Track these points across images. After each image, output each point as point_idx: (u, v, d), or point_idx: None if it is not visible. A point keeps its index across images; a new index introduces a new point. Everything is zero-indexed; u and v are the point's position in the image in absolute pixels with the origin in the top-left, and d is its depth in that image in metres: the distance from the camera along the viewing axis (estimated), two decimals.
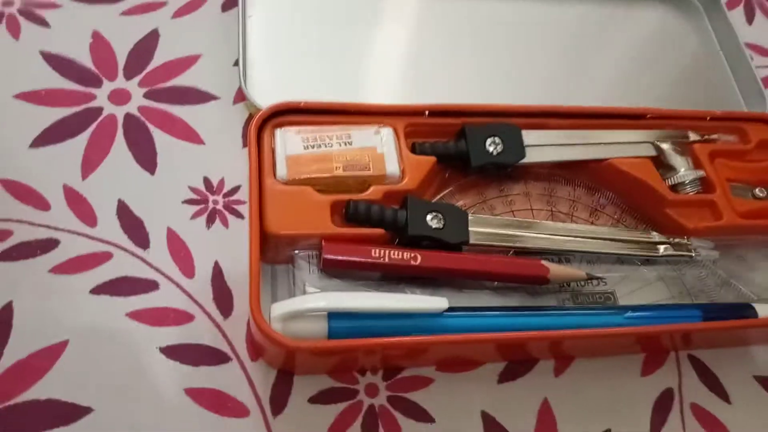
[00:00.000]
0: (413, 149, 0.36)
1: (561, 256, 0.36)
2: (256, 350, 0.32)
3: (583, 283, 0.35)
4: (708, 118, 0.41)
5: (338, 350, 0.29)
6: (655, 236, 0.37)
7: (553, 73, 0.45)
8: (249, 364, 0.32)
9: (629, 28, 0.49)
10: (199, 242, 0.35)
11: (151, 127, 0.38)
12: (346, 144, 0.35)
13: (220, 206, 0.36)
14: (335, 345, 0.29)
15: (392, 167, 0.35)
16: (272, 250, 0.33)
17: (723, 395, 0.35)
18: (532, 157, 0.38)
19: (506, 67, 0.45)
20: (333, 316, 0.30)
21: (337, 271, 0.33)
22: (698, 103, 0.46)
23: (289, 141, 0.34)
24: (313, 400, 0.31)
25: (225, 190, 0.37)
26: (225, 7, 0.43)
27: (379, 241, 0.33)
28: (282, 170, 0.33)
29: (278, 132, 0.35)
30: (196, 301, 0.33)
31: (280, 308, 0.29)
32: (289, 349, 0.28)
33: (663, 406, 0.34)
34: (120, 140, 0.37)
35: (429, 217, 0.34)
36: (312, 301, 0.29)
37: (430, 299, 0.31)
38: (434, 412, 0.32)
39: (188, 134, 0.38)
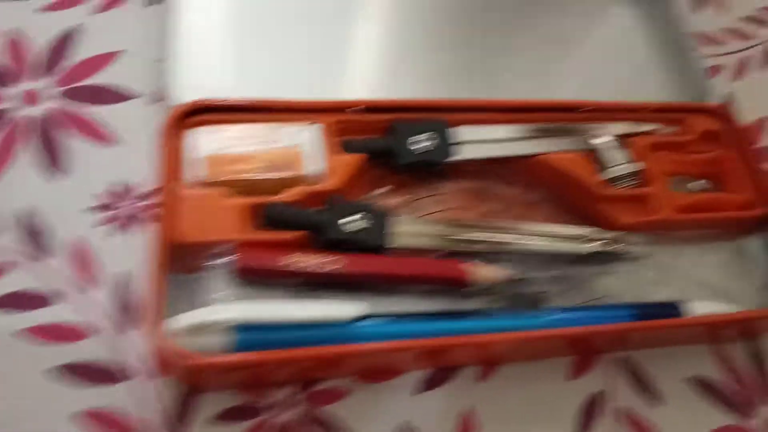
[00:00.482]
0: (342, 147, 0.35)
1: (488, 256, 0.35)
2: (162, 366, 0.31)
3: (509, 284, 0.35)
4: (648, 109, 0.41)
5: (243, 365, 0.28)
6: (587, 232, 0.36)
7: (490, 66, 0.44)
8: (154, 382, 0.30)
9: (570, 19, 0.48)
10: (108, 251, 0.33)
11: (64, 129, 0.36)
12: (268, 143, 0.34)
13: (133, 211, 0.34)
14: (239, 359, 0.28)
15: (316, 166, 0.34)
16: (186, 258, 0.31)
17: (654, 398, 0.35)
18: (462, 154, 0.36)
19: (445, 62, 0.44)
20: (241, 328, 0.28)
21: (255, 280, 0.31)
22: (643, 95, 0.45)
23: (206, 141, 0.33)
24: (220, 417, 0.30)
25: (140, 194, 0.35)
26: (152, 1, 0.41)
27: (300, 247, 0.32)
28: (198, 172, 0.32)
29: (196, 131, 0.33)
30: (100, 315, 0.32)
31: (181, 321, 0.28)
32: (188, 365, 0.27)
33: (590, 410, 0.34)
34: (29, 142, 0.35)
35: (352, 218, 0.33)
36: (215, 313, 0.28)
37: (342, 307, 0.30)
38: (352, 424, 0.31)
39: (103, 135, 0.36)
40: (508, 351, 0.33)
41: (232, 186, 0.32)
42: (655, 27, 0.48)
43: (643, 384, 0.35)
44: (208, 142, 0.33)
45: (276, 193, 0.33)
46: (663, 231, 0.37)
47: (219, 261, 0.31)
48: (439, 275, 0.33)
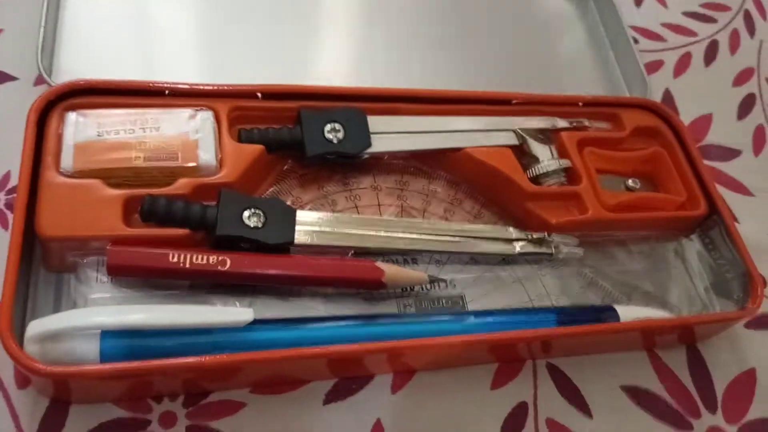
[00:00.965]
0: (239, 137, 0.32)
1: (407, 256, 0.32)
2: (19, 377, 0.26)
3: (428, 286, 0.31)
4: (580, 103, 0.38)
5: (105, 375, 0.24)
6: (512, 233, 0.33)
7: (420, 57, 0.41)
8: (14, 393, 0.26)
9: (511, 11, 0.45)
10: None
11: None
12: (152, 129, 0.30)
13: (1, 205, 0.30)
14: (99, 370, 0.24)
15: (206, 156, 0.30)
16: (54, 256, 0.28)
17: (584, 408, 0.31)
18: (379, 146, 0.33)
19: (361, 47, 0.41)
20: (107, 335, 0.25)
21: (133, 281, 0.28)
22: (578, 89, 0.43)
23: (80, 126, 0.29)
24: None
25: (9, 186, 0.31)
26: None
27: (185, 244, 0.28)
28: (67, 160, 0.28)
29: (69, 116, 0.29)
30: None
31: (37, 326, 0.24)
32: (41, 375, 0.23)
33: (515, 422, 0.30)
34: None
35: (246, 214, 0.29)
36: (77, 318, 0.24)
37: (228, 311, 0.26)
38: None
39: None
40: (424, 358, 0.30)
41: (108, 177, 0.28)
42: (594, 20, 0.46)
43: (573, 393, 0.32)
44: (82, 128, 0.29)
45: (162, 186, 0.29)
46: (594, 231, 0.34)
47: (89, 259, 0.27)
48: (352, 276, 0.30)
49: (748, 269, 0.34)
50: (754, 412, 0.33)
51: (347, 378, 0.30)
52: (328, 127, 0.33)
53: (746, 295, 0.34)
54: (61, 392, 0.26)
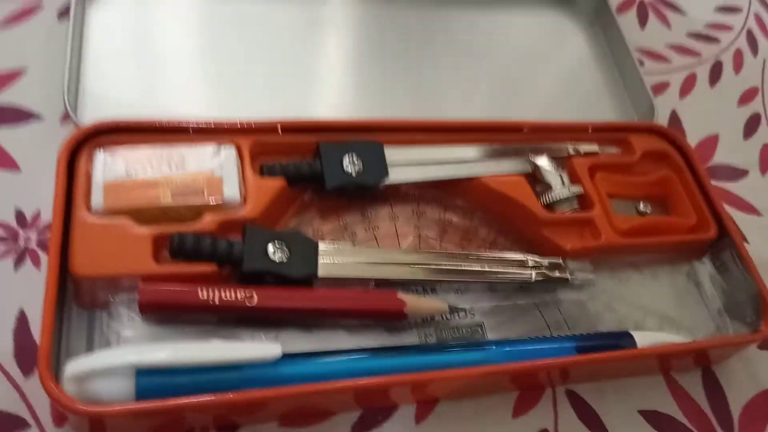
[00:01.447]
0: (261, 171, 0.32)
1: (426, 286, 0.33)
2: (57, 415, 0.27)
3: (448, 316, 0.32)
4: (589, 129, 0.39)
5: (141, 413, 0.25)
6: (528, 260, 0.33)
7: (432, 84, 0.42)
8: (51, 431, 0.27)
9: (517, 36, 0.46)
10: (3, 288, 0.30)
11: None
12: (178, 167, 0.31)
13: (33, 244, 0.31)
14: (134, 409, 0.25)
15: (231, 192, 0.31)
16: (86, 294, 0.28)
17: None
18: (396, 176, 0.34)
19: (378, 79, 0.41)
20: (142, 373, 0.25)
21: (162, 317, 0.28)
22: (590, 114, 0.44)
23: (109, 165, 0.30)
24: None
25: (41, 225, 0.32)
26: (62, 16, 0.38)
27: (212, 280, 0.29)
28: (98, 199, 0.29)
29: (97, 155, 0.30)
30: None
31: (75, 367, 0.25)
32: (79, 414, 0.24)
33: None
34: None
35: (270, 248, 0.30)
36: (111, 357, 0.25)
37: (258, 347, 0.27)
38: None
39: (2, 159, 0.33)
40: (446, 388, 0.31)
41: (136, 215, 0.29)
42: (599, 42, 0.47)
43: (592, 419, 0.32)
44: (111, 167, 0.30)
45: (187, 221, 0.30)
46: (608, 256, 0.35)
47: (121, 296, 0.28)
48: (374, 308, 0.30)
49: (759, 291, 0.34)
50: None
51: (372, 408, 0.30)
52: (346, 159, 0.33)
53: (758, 317, 0.34)
54: (97, 430, 0.27)
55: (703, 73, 0.48)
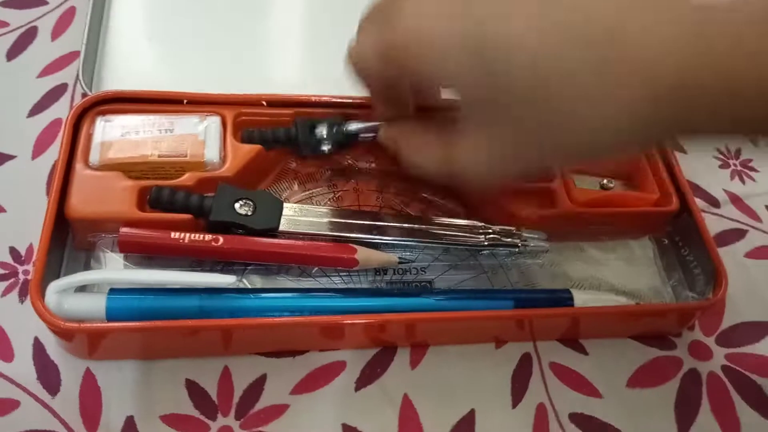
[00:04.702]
0: (242, 137, 0.37)
1: (381, 245, 0.36)
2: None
3: (400, 271, 0.35)
4: None
5: (108, 331, 0.29)
6: (481, 224, 0.36)
7: None
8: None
9: None
10: (14, 320, 0.33)
11: None
12: (166, 131, 0.35)
13: (31, 276, 0.34)
14: (113, 326, 0.29)
15: (211, 154, 0.35)
16: (80, 235, 0.33)
17: (579, 348, 0.35)
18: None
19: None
20: (113, 291, 0.30)
21: (142, 259, 0.33)
22: None
23: (107, 128, 0.35)
24: None
25: (35, 257, 0.33)
26: (10, 56, 0.41)
27: (187, 228, 0.33)
28: (95, 156, 0.34)
29: (98, 120, 0.35)
30: (19, 385, 0.31)
31: (57, 283, 0.30)
32: (59, 330, 0.29)
33: (522, 373, 0.34)
34: None
35: (238, 204, 0.34)
36: (87, 275, 0.30)
37: (215, 275, 0.31)
38: None
39: None
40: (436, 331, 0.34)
41: (128, 170, 0.34)
42: None
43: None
44: (108, 129, 0.35)
45: (173, 179, 0.34)
46: (564, 228, 0.37)
47: (105, 237, 0.33)
48: (328, 254, 0.34)
49: (714, 264, 0.35)
50: None
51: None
52: (318, 128, 0.37)
53: (710, 287, 0.35)
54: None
55: None
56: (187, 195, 0.33)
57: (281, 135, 0.37)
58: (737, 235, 0.41)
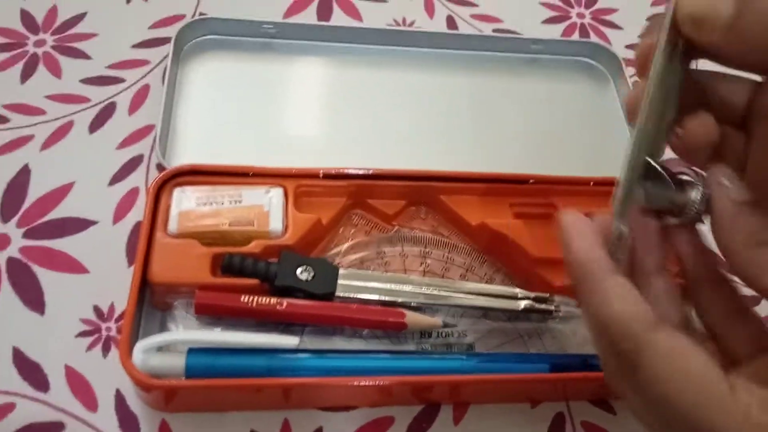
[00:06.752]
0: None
1: (428, 309, 0.39)
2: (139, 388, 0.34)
3: (444, 334, 0.39)
4: (591, 183, 0.44)
5: (189, 389, 0.33)
6: (518, 292, 0.39)
7: (461, 141, 0.49)
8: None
9: (537, 96, 0.53)
10: (98, 373, 0.36)
11: (34, 267, 0.39)
12: (236, 202, 0.40)
13: (113, 332, 0.38)
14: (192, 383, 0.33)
15: (275, 224, 0.39)
16: (159, 297, 0.37)
17: (609, 409, 0.38)
18: None
19: (411, 135, 0.49)
20: (192, 351, 0.34)
21: (211, 318, 0.37)
22: (607, 170, 0.48)
23: (184, 199, 0.39)
24: None
25: (116, 315, 0.38)
26: (92, 129, 0.45)
27: (255, 292, 0.37)
28: (173, 224, 0.38)
29: (175, 191, 0.40)
30: None
31: (142, 343, 0.33)
32: (142, 385, 0.32)
33: (556, 431, 0.37)
34: (5, 286, 0.38)
35: (299, 270, 0.38)
36: (169, 336, 0.34)
37: (280, 337, 0.35)
38: None
39: (72, 266, 0.39)
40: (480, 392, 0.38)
41: (202, 238, 0.38)
42: (613, 100, 0.53)
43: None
44: (185, 200, 0.39)
45: (240, 246, 0.38)
46: None
47: (182, 300, 0.37)
48: (379, 318, 0.37)
49: None
50: None
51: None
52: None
53: None
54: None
55: None
56: (255, 262, 0.37)
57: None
58: None
